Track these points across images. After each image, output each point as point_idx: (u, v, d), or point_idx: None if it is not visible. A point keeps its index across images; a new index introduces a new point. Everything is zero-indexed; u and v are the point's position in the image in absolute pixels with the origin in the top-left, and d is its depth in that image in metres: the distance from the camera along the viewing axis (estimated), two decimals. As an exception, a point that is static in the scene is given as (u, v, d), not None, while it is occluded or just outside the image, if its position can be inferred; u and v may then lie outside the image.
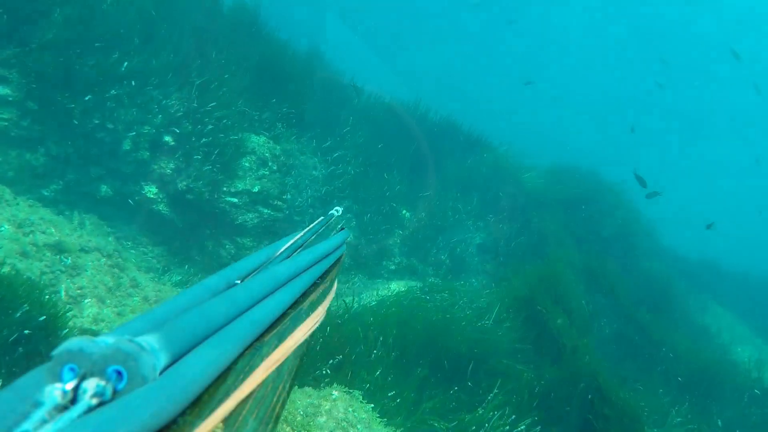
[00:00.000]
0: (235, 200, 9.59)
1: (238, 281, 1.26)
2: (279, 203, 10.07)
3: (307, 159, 10.94)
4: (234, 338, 0.97)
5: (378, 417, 6.06)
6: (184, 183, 9.09)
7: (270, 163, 10.00)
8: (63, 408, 0.63)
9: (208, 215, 9.53)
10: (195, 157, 9.12)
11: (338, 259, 2.08)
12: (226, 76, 10.29)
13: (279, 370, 1.12)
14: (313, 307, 1.49)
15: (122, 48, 8.97)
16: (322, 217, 2.32)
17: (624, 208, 17.98)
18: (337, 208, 2.66)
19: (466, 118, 16.30)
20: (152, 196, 9.10)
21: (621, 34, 61.72)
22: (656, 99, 52.59)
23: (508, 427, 6.62)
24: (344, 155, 11.92)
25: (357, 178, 11.87)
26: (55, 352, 0.68)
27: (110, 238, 8.40)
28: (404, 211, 12.62)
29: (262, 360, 1.05)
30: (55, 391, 0.64)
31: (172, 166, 9.08)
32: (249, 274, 1.34)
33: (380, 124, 13.58)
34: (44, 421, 0.60)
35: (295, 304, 1.40)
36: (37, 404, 0.63)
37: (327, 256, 1.86)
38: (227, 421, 0.86)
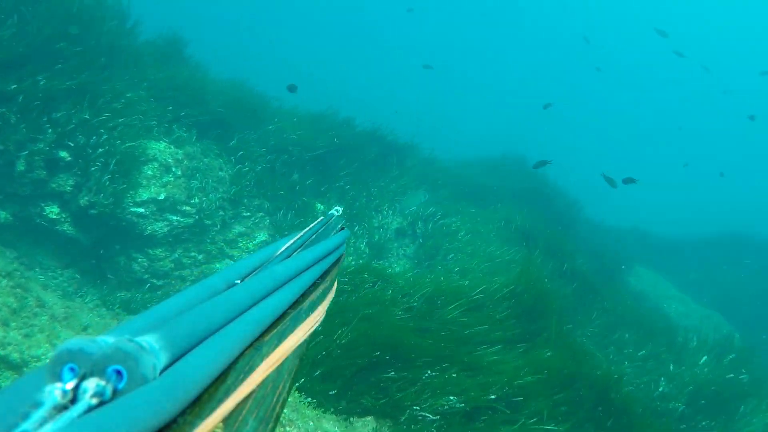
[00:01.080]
0: (142, 210, 9.59)
1: (238, 281, 1.28)
2: (187, 209, 10.13)
3: (212, 160, 11.04)
4: (234, 338, 0.99)
5: (308, 400, 6.17)
6: (86, 198, 9.04)
7: (174, 169, 10.06)
8: (63, 408, 0.64)
9: (115, 229, 9.54)
10: (93, 168, 9.05)
11: (338, 259, 2.12)
12: (129, 94, 10.28)
13: (279, 369, 1.12)
14: (313, 307, 1.52)
15: (19, 70, 8.91)
16: (322, 217, 2.44)
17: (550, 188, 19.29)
18: (336, 208, 2.77)
19: (388, 121, 16.86)
20: (55, 216, 9.03)
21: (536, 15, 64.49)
22: (590, 81, 55.38)
23: (445, 404, 6.79)
24: (251, 153, 12.01)
25: (264, 175, 12.00)
26: (55, 352, 0.69)
27: (15, 264, 8.25)
28: (318, 205, 12.85)
29: (262, 359, 1.07)
30: (55, 391, 0.65)
31: (71, 182, 9.04)
32: (249, 274, 1.37)
33: (296, 129, 13.77)
34: (44, 421, 0.61)
35: (296, 303, 1.43)
36: (37, 404, 0.64)
37: (327, 255, 1.90)
38: (227, 421, 0.86)
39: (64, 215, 9.10)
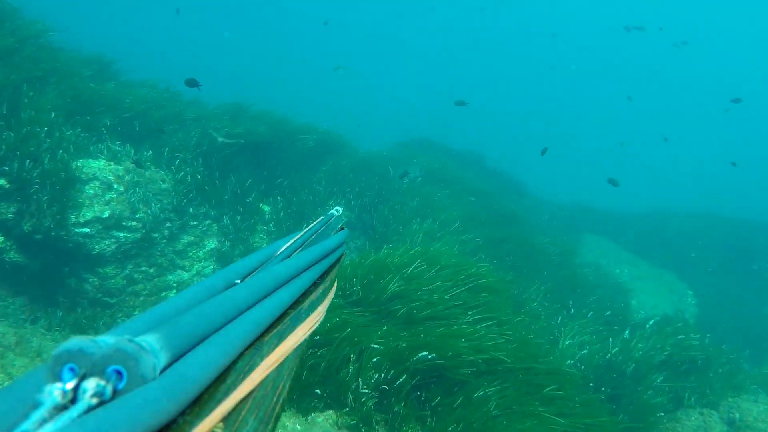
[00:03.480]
0: (87, 230, 9.76)
1: (238, 281, 1.32)
2: (133, 224, 10.33)
3: (153, 173, 11.21)
4: (234, 338, 1.01)
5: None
6: (29, 224, 9.16)
7: (116, 185, 10.23)
8: (63, 408, 0.65)
9: (62, 252, 9.68)
10: (32, 192, 9.18)
11: (338, 259, 2.15)
12: (53, 113, 10.37)
13: (279, 369, 1.14)
14: (313, 307, 1.54)
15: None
16: (322, 217, 2.53)
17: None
18: (337, 208, 2.88)
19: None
20: (0, 245, 9.08)
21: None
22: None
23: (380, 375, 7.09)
24: (186, 158, 12.18)
25: (204, 181, 12.28)
26: (55, 351, 0.71)
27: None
28: (263, 206, 13.11)
29: (262, 359, 1.08)
30: (55, 391, 0.67)
31: (13, 209, 9.18)
32: (249, 274, 1.41)
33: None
34: (44, 421, 0.63)
35: (296, 303, 1.46)
36: (37, 404, 0.66)
37: (327, 255, 1.94)
38: (227, 420, 0.88)
39: (9, 243, 9.23)
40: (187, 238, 11.46)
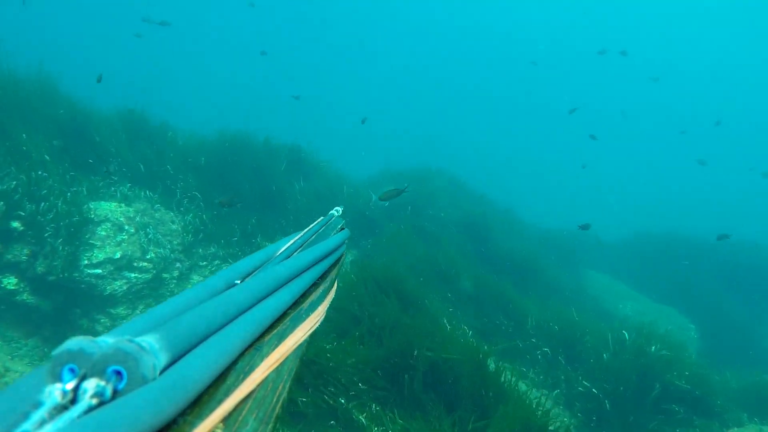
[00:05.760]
0: (99, 271, 9.80)
1: (238, 281, 1.31)
2: (145, 264, 10.37)
3: (163, 214, 11.30)
4: (234, 338, 1.01)
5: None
6: (43, 265, 9.20)
7: (127, 227, 10.31)
8: (63, 408, 0.66)
9: (75, 293, 9.70)
10: (46, 235, 9.26)
11: (338, 259, 2.14)
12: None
13: (279, 370, 1.13)
14: (313, 307, 1.53)
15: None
16: (322, 217, 2.51)
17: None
18: (337, 208, 2.83)
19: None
20: (13, 287, 9.16)
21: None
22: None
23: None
24: (192, 198, 12.27)
25: (212, 221, 12.39)
26: (55, 352, 0.71)
27: (-21, 340, 8.36)
28: (266, 243, 13.12)
29: (262, 360, 1.08)
30: (55, 392, 0.67)
31: (26, 251, 9.21)
32: (249, 274, 1.41)
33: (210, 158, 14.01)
34: (44, 421, 0.63)
35: (296, 304, 1.46)
36: (37, 404, 0.66)
37: (327, 255, 1.93)
38: (227, 421, 0.88)
39: (22, 285, 9.25)
40: (196, 278, 11.49)
